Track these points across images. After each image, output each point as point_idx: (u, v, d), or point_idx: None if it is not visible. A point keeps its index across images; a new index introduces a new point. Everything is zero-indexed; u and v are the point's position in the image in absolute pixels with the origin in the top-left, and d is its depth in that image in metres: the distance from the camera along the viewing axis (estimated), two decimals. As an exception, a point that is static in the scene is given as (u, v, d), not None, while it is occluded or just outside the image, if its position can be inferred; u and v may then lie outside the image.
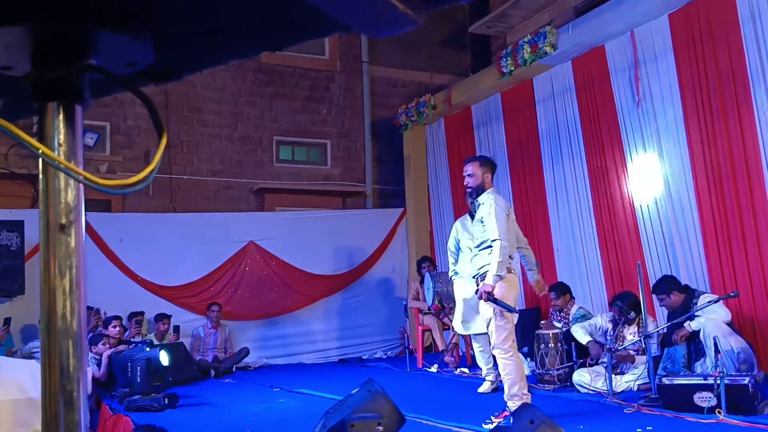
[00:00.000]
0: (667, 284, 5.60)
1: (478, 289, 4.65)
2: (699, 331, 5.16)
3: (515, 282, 4.73)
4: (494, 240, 4.52)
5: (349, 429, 3.17)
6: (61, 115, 0.68)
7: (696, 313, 5.20)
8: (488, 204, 4.63)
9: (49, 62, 0.67)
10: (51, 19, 0.63)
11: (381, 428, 3.22)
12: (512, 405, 4.59)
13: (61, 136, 0.69)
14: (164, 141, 0.69)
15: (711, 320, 5.14)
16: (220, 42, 0.71)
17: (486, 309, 4.61)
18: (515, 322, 4.72)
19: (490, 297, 4.45)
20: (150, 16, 0.65)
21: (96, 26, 0.64)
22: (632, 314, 5.82)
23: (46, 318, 0.68)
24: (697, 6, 6.13)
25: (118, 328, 7.06)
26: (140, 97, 0.71)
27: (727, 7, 5.88)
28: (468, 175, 4.84)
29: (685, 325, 5.21)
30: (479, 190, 4.78)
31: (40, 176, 0.69)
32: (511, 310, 4.48)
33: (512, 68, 7.81)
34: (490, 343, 4.91)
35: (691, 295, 5.44)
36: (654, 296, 5.81)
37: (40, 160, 0.67)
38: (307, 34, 0.68)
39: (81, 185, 0.68)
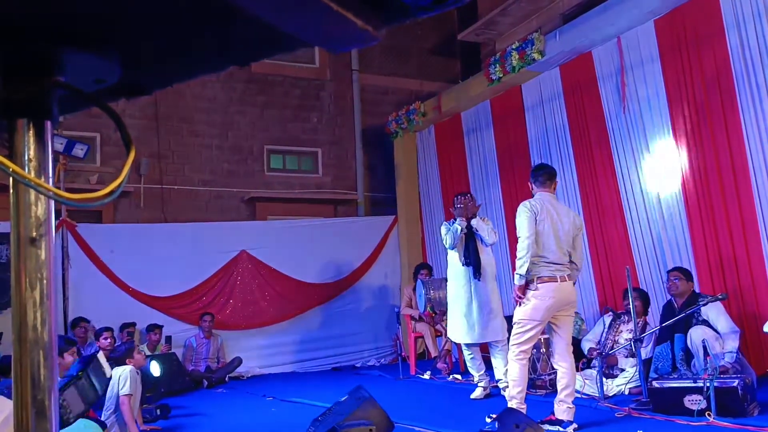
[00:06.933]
0: (689, 273, 5.73)
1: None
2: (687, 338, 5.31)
3: (551, 292, 4.54)
4: (518, 238, 4.65)
5: None
6: (30, 132, 0.70)
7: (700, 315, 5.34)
8: (520, 207, 4.76)
9: (18, 81, 0.69)
10: (19, 40, 0.65)
11: None
12: (513, 405, 4.64)
13: (31, 152, 0.71)
14: (132, 155, 0.71)
15: (697, 328, 5.27)
16: (185, 58, 0.73)
17: (516, 311, 4.68)
18: (539, 330, 4.69)
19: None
20: (115, 35, 0.66)
21: (63, 46, 0.66)
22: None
23: (17, 329, 0.70)
24: (682, 12, 6.19)
25: (108, 340, 7.04)
26: (108, 112, 0.73)
27: (711, 13, 5.94)
28: None
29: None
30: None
31: (11, 191, 0.71)
32: None
33: (501, 75, 7.86)
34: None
35: (695, 297, 5.50)
36: (667, 274, 5.83)
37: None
38: (271, 50, 0.70)
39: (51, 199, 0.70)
